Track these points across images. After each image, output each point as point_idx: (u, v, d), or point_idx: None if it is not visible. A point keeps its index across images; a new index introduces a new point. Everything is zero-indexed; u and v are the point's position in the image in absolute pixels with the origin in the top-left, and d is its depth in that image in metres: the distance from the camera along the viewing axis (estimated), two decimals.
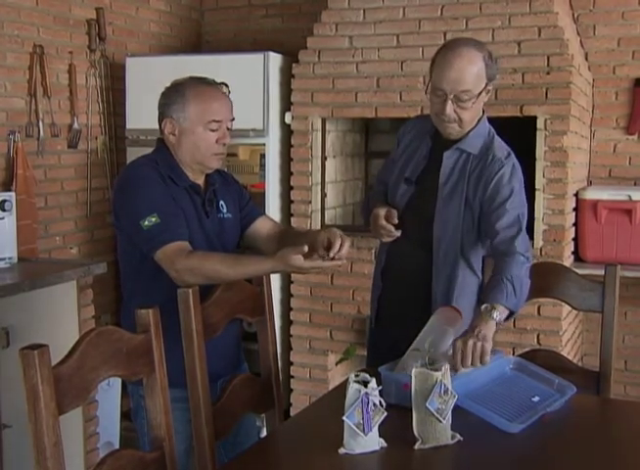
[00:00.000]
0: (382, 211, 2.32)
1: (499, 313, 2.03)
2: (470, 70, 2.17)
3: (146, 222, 2.03)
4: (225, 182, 2.33)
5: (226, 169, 2.42)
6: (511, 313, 2.10)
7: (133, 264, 2.19)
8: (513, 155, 2.28)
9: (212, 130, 2.15)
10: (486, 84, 2.22)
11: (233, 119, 2.21)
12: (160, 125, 2.20)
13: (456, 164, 2.28)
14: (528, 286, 2.15)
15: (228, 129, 2.19)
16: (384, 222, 2.30)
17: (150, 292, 2.12)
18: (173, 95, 2.17)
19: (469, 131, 2.28)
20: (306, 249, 1.95)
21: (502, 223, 2.17)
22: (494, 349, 2.18)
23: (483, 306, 2.05)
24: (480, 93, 2.21)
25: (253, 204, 2.41)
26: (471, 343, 1.92)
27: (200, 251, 2.08)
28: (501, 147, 2.29)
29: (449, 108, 2.18)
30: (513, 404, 1.90)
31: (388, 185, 2.45)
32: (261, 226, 2.35)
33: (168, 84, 2.23)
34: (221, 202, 2.26)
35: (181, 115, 2.14)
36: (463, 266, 2.29)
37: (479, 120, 2.29)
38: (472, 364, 1.93)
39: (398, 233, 2.31)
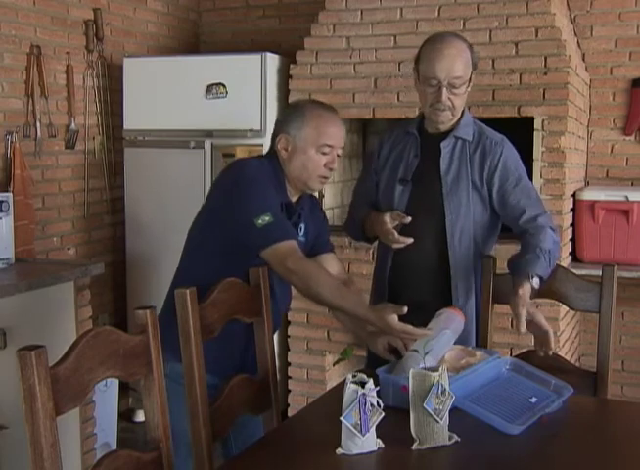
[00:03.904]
0: (386, 217, 2.30)
1: (537, 283, 2.18)
2: (460, 57, 2.26)
3: (260, 221, 2.07)
4: (313, 208, 2.38)
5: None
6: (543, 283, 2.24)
7: (211, 248, 2.20)
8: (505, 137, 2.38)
9: (323, 154, 2.21)
10: (472, 72, 2.31)
11: (343, 148, 2.27)
12: (273, 139, 2.26)
13: (454, 152, 2.34)
14: (557, 259, 2.30)
15: (337, 156, 2.25)
16: (390, 227, 2.28)
17: (210, 273, 2.11)
18: (293, 113, 2.24)
19: (459, 120, 2.35)
20: (405, 310, 2.00)
21: (525, 202, 2.29)
22: (491, 349, 2.18)
23: (532, 277, 2.17)
24: (469, 80, 2.29)
25: (329, 239, 2.45)
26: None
27: (314, 261, 2.15)
28: (492, 131, 2.38)
29: (445, 95, 2.25)
30: (511, 406, 1.89)
31: (369, 197, 2.48)
32: (327, 264, 2.33)
33: (291, 102, 2.35)
34: (302, 225, 2.30)
35: (297, 133, 2.20)
36: (477, 256, 2.34)
37: (463, 110, 2.37)
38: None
39: (409, 240, 2.26)
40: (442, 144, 2.34)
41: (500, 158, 2.31)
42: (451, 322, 2.07)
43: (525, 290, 2.13)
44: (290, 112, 2.28)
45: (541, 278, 2.20)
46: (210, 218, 2.22)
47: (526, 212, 2.28)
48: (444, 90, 2.25)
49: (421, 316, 2.22)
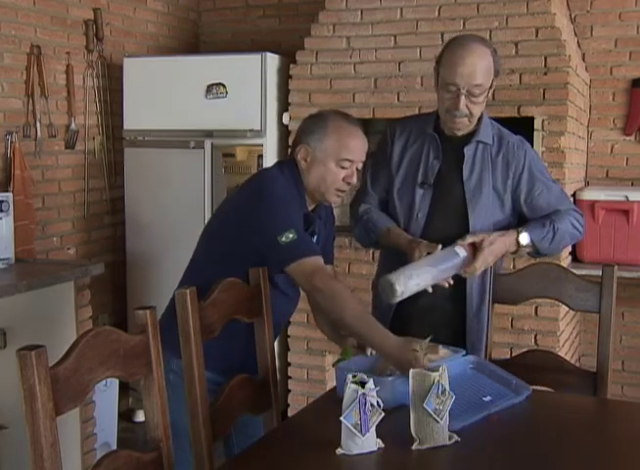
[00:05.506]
0: (417, 254, 2.18)
1: (525, 246, 2.23)
2: (481, 65, 2.19)
3: (283, 238, 2.03)
4: (327, 219, 2.36)
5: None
6: (536, 253, 2.29)
7: (224, 254, 2.18)
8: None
9: (343, 168, 2.18)
10: (493, 79, 2.24)
11: (363, 162, 2.24)
12: (294, 148, 2.24)
13: (475, 157, 2.30)
14: (565, 245, 2.38)
15: (357, 170, 2.22)
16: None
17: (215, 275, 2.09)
18: (315, 124, 2.21)
19: (479, 123, 2.30)
20: (432, 361, 1.92)
21: (555, 203, 2.32)
22: (456, 348, 2.16)
23: (522, 231, 2.22)
24: (490, 87, 2.23)
25: (332, 250, 2.44)
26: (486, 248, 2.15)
27: (342, 283, 2.09)
28: (510, 133, 2.36)
29: (463, 103, 2.19)
30: (461, 403, 1.86)
31: (380, 195, 2.43)
32: None
33: (314, 112, 2.29)
34: (315, 235, 2.28)
35: (318, 144, 2.17)
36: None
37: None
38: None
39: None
40: (466, 149, 2.29)
41: (525, 163, 2.29)
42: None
43: (505, 234, 2.20)
44: (311, 122, 2.24)
45: (533, 242, 2.24)
46: (231, 225, 2.18)
47: (562, 207, 2.33)
48: (462, 98, 2.18)
49: (432, 320, 2.24)
